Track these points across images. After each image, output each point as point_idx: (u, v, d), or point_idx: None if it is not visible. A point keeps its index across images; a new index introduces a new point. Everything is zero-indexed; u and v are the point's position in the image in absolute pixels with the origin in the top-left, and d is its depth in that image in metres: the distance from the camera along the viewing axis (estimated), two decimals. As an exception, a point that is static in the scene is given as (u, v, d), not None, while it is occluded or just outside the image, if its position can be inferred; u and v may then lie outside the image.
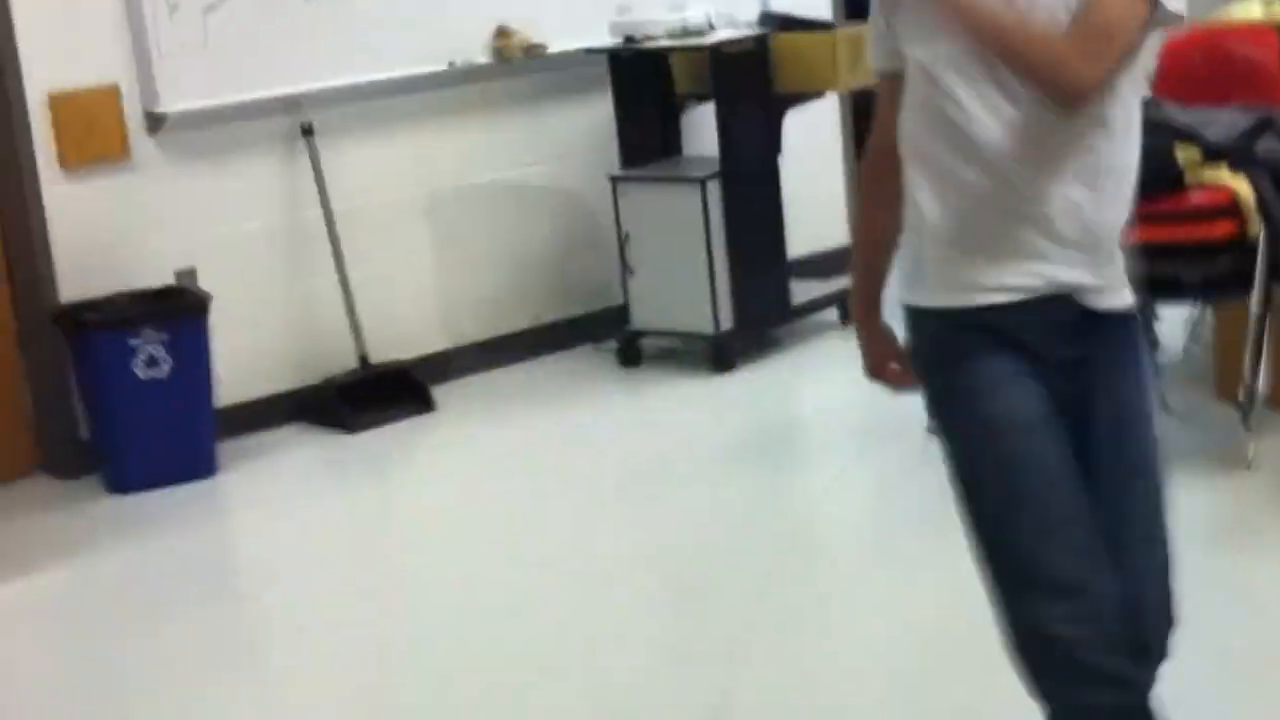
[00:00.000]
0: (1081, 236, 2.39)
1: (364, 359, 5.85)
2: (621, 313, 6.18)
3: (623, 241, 6.10)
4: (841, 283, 5.92)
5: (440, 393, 5.88)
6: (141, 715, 3.85)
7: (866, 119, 2.65)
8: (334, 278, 5.81)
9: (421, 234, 6.12)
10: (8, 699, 4.00)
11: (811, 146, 6.63)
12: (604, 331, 6.30)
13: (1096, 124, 2.36)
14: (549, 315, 6.39)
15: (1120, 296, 2.45)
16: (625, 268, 6.12)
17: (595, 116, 6.37)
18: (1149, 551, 2.43)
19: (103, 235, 5.42)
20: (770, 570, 4.28)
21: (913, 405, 5.32)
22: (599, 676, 3.79)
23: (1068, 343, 2.42)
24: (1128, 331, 2.46)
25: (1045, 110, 2.32)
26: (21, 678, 4.13)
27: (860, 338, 2.71)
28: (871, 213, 2.65)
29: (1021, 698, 2.43)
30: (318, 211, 5.77)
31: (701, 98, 6.22)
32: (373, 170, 5.96)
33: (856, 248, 2.77)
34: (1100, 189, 2.39)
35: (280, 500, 5.17)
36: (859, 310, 2.72)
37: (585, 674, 3.80)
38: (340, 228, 5.81)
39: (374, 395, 5.75)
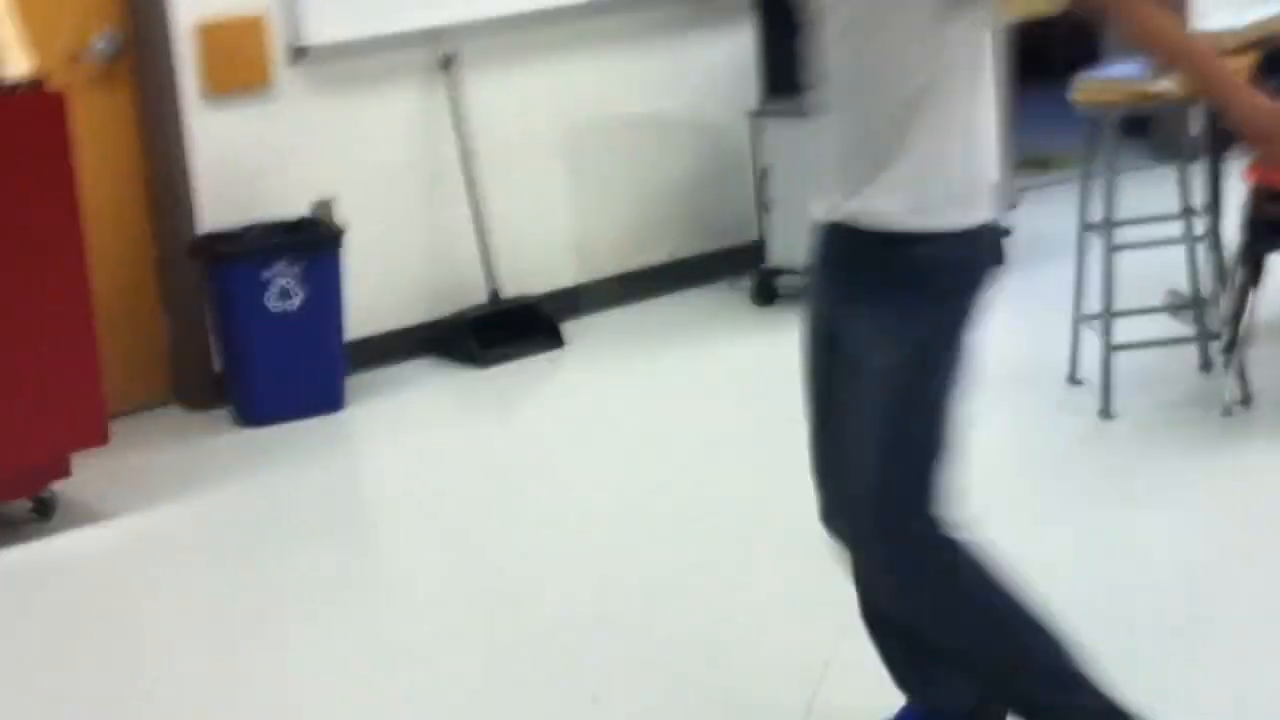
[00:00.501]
0: (852, 158, 2.62)
1: (495, 293, 5.81)
2: (758, 249, 6.07)
3: (761, 176, 5.97)
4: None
5: (571, 328, 5.83)
6: (267, 644, 3.85)
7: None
8: (468, 211, 5.77)
9: (556, 167, 6.05)
10: (136, 624, 4.03)
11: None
12: (739, 268, 6.20)
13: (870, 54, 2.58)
14: (684, 251, 6.30)
15: (878, 215, 2.60)
16: (762, 203, 6.00)
17: (735, 47, 6.23)
18: (854, 468, 2.78)
19: (243, 164, 5.41)
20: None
21: (1054, 351, 5.17)
22: (720, 615, 3.74)
23: (841, 265, 2.69)
24: (891, 261, 2.59)
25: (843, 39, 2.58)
26: (149, 604, 4.15)
27: None
28: None
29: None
30: (454, 144, 5.73)
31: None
32: (510, 103, 5.89)
33: None
34: (863, 108, 2.60)
35: (408, 434, 5.15)
36: None
37: (706, 614, 3.76)
38: (476, 160, 5.76)
39: (505, 330, 5.71)
